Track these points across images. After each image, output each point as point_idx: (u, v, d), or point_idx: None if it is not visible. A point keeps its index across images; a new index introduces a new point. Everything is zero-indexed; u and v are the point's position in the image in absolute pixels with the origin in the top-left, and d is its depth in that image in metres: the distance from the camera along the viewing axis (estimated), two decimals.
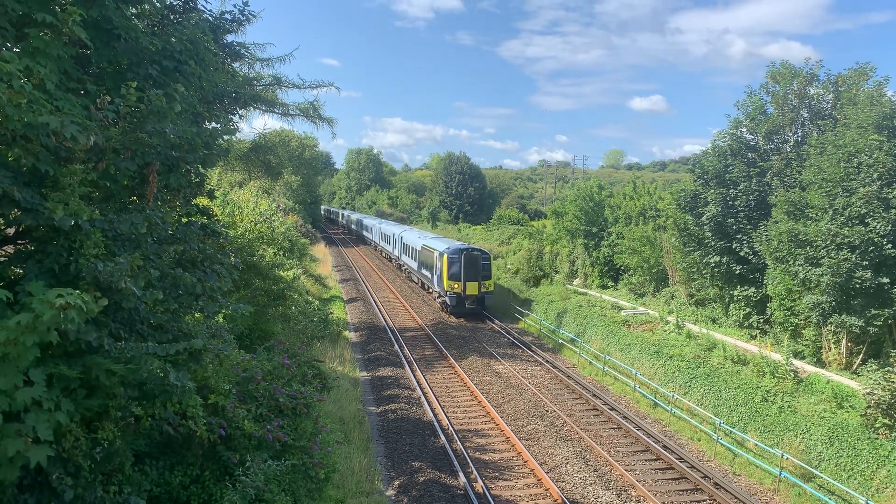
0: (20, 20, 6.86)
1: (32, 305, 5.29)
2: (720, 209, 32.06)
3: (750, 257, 31.09)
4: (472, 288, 39.32)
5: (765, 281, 29.71)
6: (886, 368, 22.15)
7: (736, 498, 16.54)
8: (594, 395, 24.73)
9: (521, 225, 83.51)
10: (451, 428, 20.33)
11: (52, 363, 6.15)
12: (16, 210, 6.60)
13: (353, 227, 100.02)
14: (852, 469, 17.06)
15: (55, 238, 6.80)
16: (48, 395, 5.72)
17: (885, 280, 22.79)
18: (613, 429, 21.37)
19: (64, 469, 6.65)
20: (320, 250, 66.50)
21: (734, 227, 31.95)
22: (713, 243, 32.60)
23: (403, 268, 55.45)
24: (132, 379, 6.91)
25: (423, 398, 23.13)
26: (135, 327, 7.59)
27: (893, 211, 22.61)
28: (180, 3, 9.88)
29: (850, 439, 17.75)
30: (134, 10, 8.66)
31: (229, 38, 13.96)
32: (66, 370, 6.24)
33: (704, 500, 16.57)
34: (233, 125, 13.00)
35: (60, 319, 5.29)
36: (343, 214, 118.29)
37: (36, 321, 5.25)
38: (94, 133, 6.69)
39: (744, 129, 34.16)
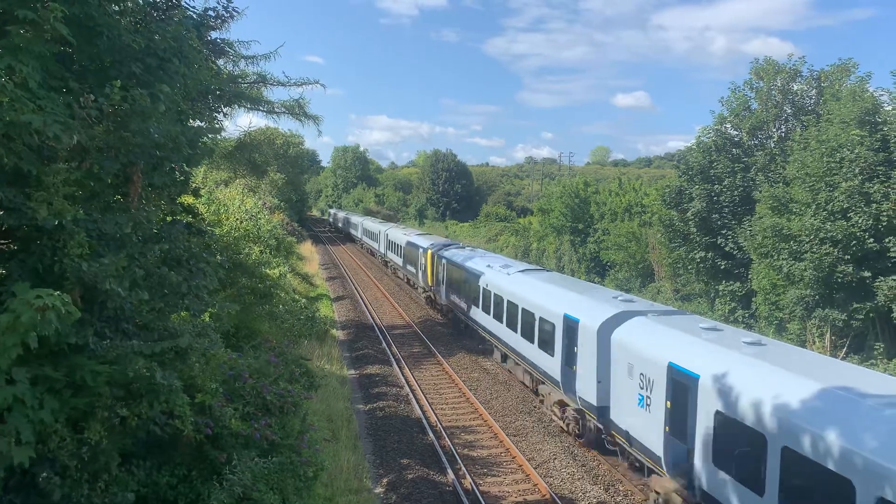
0: (1, 17, 6.80)
1: (12, 306, 5.25)
2: (705, 205, 32.31)
3: (735, 252, 31.37)
4: None
5: (750, 276, 29.99)
6: (870, 361, 22.42)
7: None
8: None
9: (508, 222, 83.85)
10: (439, 425, 20.36)
11: (36, 364, 6.12)
12: None
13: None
14: None
15: (39, 238, 6.76)
16: (31, 394, 5.69)
17: (867, 274, 23.05)
18: None
19: (51, 469, 6.62)
20: (307, 249, 66.30)
21: (719, 222, 32.22)
22: (698, 239, 32.85)
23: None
24: (118, 379, 6.88)
25: (411, 395, 23.15)
26: (120, 326, 7.56)
27: (875, 206, 22.87)
28: (163, 0, 9.81)
29: None
30: (116, 7, 8.60)
31: (213, 35, 13.88)
32: (51, 371, 6.20)
33: None
34: (217, 124, 12.94)
35: (38, 321, 5.25)
36: (355, 223, 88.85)
37: (15, 322, 5.22)
38: (78, 132, 6.65)
39: (728, 125, 34.46)
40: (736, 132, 34.33)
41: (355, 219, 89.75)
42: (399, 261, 50.43)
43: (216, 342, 10.25)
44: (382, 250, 60.29)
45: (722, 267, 32.27)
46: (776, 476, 11.08)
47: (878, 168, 23.24)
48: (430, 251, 38.43)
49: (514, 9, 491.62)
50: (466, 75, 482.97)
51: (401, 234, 52.82)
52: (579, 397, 18.10)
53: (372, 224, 72.17)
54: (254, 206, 33.94)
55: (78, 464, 6.89)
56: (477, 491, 15.90)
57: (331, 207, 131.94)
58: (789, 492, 10.91)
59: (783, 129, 33.56)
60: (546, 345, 20.62)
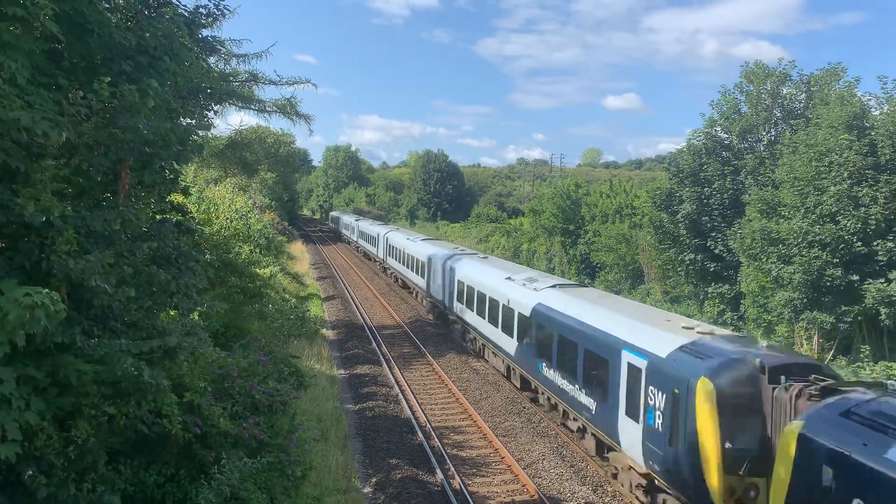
0: None
1: (0, 304, 5.23)
2: (695, 207, 32.45)
3: (724, 255, 31.52)
4: None
5: (738, 278, 30.13)
6: (856, 363, 22.59)
7: None
8: None
9: (499, 223, 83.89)
10: (428, 425, 20.36)
11: (21, 363, 6.08)
12: None
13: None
14: None
15: (27, 235, 6.72)
16: (17, 393, 5.66)
17: (855, 277, 23.20)
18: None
19: (37, 467, 6.59)
20: (298, 248, 66.15)
21: (709, 224, 32.36)
22: (688, 241, 32.99)
23: None
24: (106, 377, 6.85)
25: (400, 395, 23.14)
26: (108, 324, 7.53)
27: (863, 209, 23.03)
28: None
29: None
30: (107, 5, 8.57)
31: (205, 32, 13.84)
32: (34, 371, 6.16)
33: None
34: (208, 121, 12.92)
35: (27, 319, 5.23)
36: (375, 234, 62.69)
37: (3, 320, 5.20)
38: (67, 129, 6.62)
39: (718, 128, 34.62)
40: (726, 135, 34.50)
41: (369, 228, 64.88)
42: (509, 345, 23.37)
43: (205, 341, 10.24)
44: (446, 300, 32.83)
45: (711, 269, 32.42)
46: None
47: (866, 172, 23.42)
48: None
49: (505, 10, 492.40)
50: (458, 76, 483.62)
51: (504, 281, 24.58)
52: None
53: (412, 245, 42.86)
54: (244, 205, 33.85)
55: (64, 462, 6.86)
56: (466, 491, 15.91)
57: (329, 208, 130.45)
58: None
59: (773, 133, 33.76)
60: None
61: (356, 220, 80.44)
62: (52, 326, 5.78)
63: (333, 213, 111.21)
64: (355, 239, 75.40)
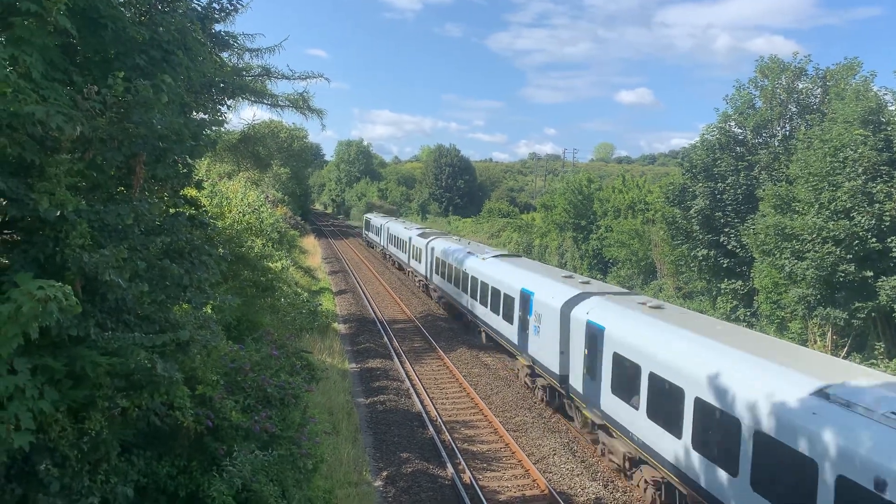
0: (5, 9, 6.82)
1: (14, 296, 5.28)
2: (708, 202, 32.24)
3: (737, 251, 31.31)
4: None
5: (752, 274, 29.95)
6: (871, 361, 22.41)
7: None
8: None
9: (511, 218, 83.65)
10: (439, 419, 20.41)
11: (37, 354, 6.16)
12: (1, 200, 6.58)
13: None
14: None
15: (41, 228, 6.79)
16: (31, 384, 5.73)
17: (869, 274, 22.99)
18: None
19: (50, 459, 6.67)
20: (310, 242, 66.36)
21: (722, 220, 32.16)
22: (701, 237, 32.80)
23: None
24: (119, 370, 6.92)
25: (411, 389, 23.20)
26: (121, 318, 7.59)
27: (878, 205, 22.81)
28: None
29: None
30: None
31: (217, 27, 13.89)
32: (51, 362, 6.24)
33: None
34: (221, 116, 12.97)
35: (40, 311, 5.29)
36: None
37: (17, 312, 5.25)
38: (81, 123, 6.67)
39: (732, 123, 34.32)
40: (740, 130, 34.20)
41: (480, 268, 29.73)
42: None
43: (217, 334, 10.30)
44: None
45: (724, 265, 32.23)
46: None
47: (881, 168, 23.18)
48: None
49: (518, 4, 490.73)
50: (470, 70, 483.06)
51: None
52: None
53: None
54: (256, 199, 33.99)
55: (78, 454, 6.94)
56: (476, 485, 15.94)
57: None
58: None
59: (787, 128, 33.45)
60: None
61: (422, 237, 44.69)
62: (64, 320, 5.84)
63: (371, 218, 75.56)
64: (423, 273, 42.27)
